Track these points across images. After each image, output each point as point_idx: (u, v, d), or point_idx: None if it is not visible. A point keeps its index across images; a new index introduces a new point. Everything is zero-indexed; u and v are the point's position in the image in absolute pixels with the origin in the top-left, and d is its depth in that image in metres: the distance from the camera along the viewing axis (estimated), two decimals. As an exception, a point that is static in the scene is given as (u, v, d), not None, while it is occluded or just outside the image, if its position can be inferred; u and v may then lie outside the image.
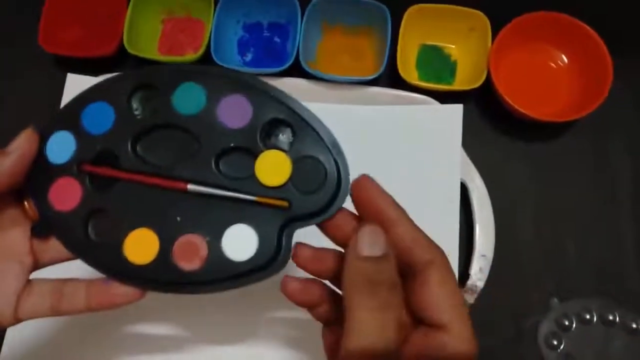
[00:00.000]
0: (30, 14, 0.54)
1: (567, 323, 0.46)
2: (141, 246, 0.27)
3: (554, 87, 0.52)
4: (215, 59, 0.51)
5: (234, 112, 0.28)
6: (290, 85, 0.51)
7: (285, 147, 0.27)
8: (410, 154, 0.49)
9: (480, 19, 0.51)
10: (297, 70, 0.51)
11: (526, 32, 0.50)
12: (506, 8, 0.51)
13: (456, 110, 0.49)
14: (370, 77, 0.50)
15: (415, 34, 0.52)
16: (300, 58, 0.50)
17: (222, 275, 0.27)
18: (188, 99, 0.28)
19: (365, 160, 0.48)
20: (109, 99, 0.29)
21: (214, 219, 0.27)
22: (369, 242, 0.23)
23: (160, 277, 0.27)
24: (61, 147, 0.28)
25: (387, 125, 0.49)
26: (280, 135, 0.28)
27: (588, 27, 0.49)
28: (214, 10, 0.52)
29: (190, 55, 0.53)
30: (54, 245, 0.29)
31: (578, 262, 0.48)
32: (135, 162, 0.28)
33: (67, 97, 0.51)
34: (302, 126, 0.27)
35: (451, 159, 0.48)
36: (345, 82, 0.51)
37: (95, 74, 0.51)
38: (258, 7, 0.54)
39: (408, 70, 0.52)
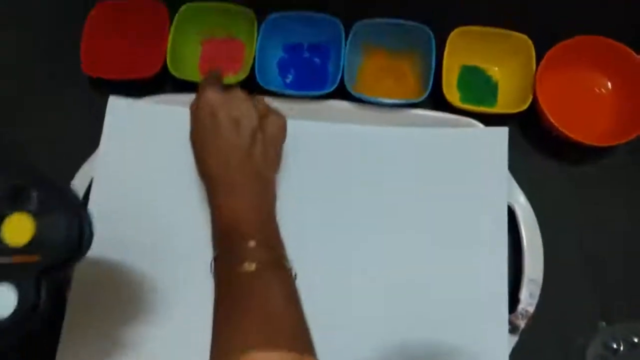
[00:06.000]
0: (74, 32, 0.53)
1: (614, 346, 0.46)
2: None
3: (597, 112, 0.52)
4: (259, 81, 0.50)
5: None
6: (334, 108, 0.51)
7: (33, 207, 0.31)
8: (455, 177, 0.49)
9: (524, 42, 0.51)
10: (338, 93, 0.51)
11: (572, 55, 0.50)
12: (549, 31, 0.51)
13: (501, 133, 0.49)
14: (418, 100, 0.50)
15: (457, 55, 0.52)
16: (345, 81, 0.50)
17: None
18: None
19: (410, 184, 0.49)
20: None
21: None
22: None
23: None
24: None
25: (432, 147, 0.50)
26: (25, 198, 0.31)
27: (635, 54, 0.49)
28: (257, 31, 0.52)
29: (231, 78, 0.52)
30: None
31: (625, 284, 0.48)
32: None
33: (109, 119, 0.50)
34: (43, 188, 0.31)
35: (497, 182, 0.48)
36: (390, 105, 0.51)
37: (136, 95, 0.51)
38: (300, 29, 0.53)
39: (451, 92, 0.52)
